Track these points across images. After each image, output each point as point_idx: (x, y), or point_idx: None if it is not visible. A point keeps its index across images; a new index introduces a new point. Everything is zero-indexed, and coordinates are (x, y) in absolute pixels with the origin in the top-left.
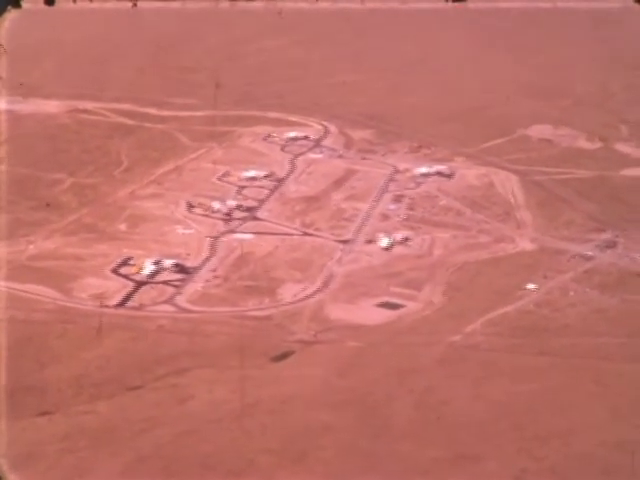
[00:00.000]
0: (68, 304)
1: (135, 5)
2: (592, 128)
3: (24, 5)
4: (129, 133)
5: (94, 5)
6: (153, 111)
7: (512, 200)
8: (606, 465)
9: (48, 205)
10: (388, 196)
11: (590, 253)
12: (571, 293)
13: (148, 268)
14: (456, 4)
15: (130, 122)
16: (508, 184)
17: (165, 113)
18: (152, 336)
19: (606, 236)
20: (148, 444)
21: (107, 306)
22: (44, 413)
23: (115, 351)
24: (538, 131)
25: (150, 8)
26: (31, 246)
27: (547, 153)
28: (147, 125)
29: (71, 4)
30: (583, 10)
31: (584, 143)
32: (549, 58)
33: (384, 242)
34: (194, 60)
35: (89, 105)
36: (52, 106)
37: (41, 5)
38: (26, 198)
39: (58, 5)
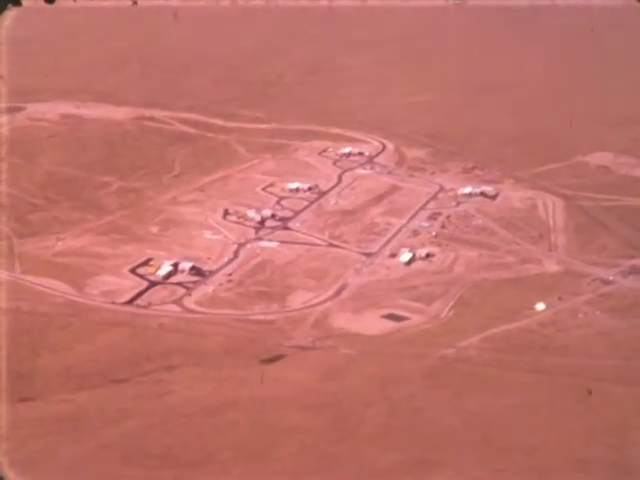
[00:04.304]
0: (77, 299)
1: (135, 3)
2: None
3: (24, 3)
4: (189, 142)
5: (94, 3)
6: (219, 122)
7: (551, 223)
8: None
9: None
10: (425, 213)
11: (611, 278)
12: (580, 315)
13: (165, 269)
14: (456, 3)
15: (192, 131)
16: (551, 208)
17: (230, 124)
18: (151, 333)
19: (634, 262)
20: (114, 434)
21: (115, 303)
22: (25, 399)
23: (111, 346)
24: (597, 158)
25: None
26: (59, 243)
27: (601, 180)
28: (209, 135)
29: (71, 2)
30: None
31: None
32: (625, 83)
33: (405, 257)
34: (275, 73)
35: (156, 113)
36: (119, 112)
37: (41, 3)
38: (69, 198)
39: (58, 3)
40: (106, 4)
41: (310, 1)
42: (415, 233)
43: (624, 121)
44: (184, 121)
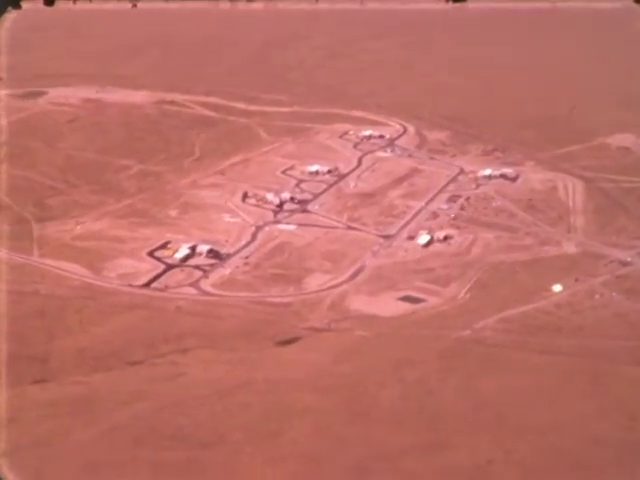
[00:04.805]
0: (94, 282)
1: (135, 6)
2: None
3: (24, 6)
4: (209, 125)
5: (94, 5)
6: (240, 105)
7: (570, 205)
8: (577, 461)
9: None
10: (444, 196)
11: (629, 259)
12: (596, 296)
13: (182, 252)
14: (456, 5)
15: (213, 115)
16: (571, 190)
17: (252, 108)
18: (167, 316)
19: None
20: (126, 415)
21: (132, 286)
22: (40, 381)
23: (127, 328)
24: (618, 140)
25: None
26: (78, 227)
27: (622, 161)
28: (229, 118)
29: (71, 4)
30: None
31: None
32: None
33: (423, 239)
34: (296, 58)
35: (177, 97)
36: (139, 96)
37: (40, 5)
38: (88, 182)
39: (58, 5)
40: (106, 7)
41: (310, 4)
42: (434, 215)
43: None
44: (205, 105)
